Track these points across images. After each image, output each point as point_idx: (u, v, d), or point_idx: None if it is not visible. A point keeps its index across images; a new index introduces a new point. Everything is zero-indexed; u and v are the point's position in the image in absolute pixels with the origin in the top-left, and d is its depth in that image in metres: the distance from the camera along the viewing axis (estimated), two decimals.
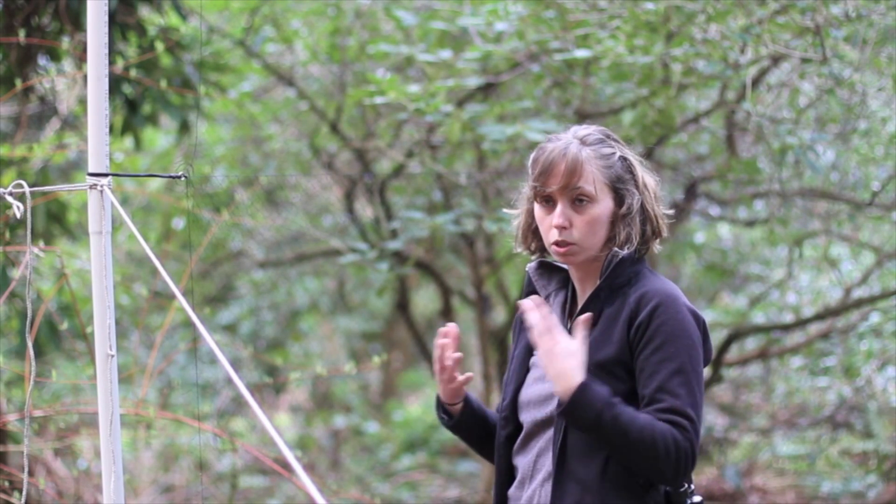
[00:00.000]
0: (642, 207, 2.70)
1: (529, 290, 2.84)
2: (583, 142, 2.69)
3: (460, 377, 2.79)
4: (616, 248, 2.68)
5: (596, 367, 2.62)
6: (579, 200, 2.66)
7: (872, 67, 5.23)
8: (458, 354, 2.80)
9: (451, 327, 2.79)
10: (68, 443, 5.75)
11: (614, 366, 2.62)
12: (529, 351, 2.80)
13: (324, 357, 10.55)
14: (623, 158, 2.71)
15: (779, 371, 8.38)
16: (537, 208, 2.73)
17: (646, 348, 2.59)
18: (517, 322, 2.88)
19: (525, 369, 2.79)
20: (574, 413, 2.55)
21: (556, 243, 2.68)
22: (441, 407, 2.90)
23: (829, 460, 7.91)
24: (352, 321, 10.55)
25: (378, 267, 5.87)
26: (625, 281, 2.67)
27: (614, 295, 2.67)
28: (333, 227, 7.92)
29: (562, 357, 2.56)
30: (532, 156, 2.73)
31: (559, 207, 2.67)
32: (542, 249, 2.80)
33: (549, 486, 2.67)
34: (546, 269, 2.83)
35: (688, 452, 2.55)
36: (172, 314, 5.45)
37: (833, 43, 4.79)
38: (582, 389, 2.53)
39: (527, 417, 2.74)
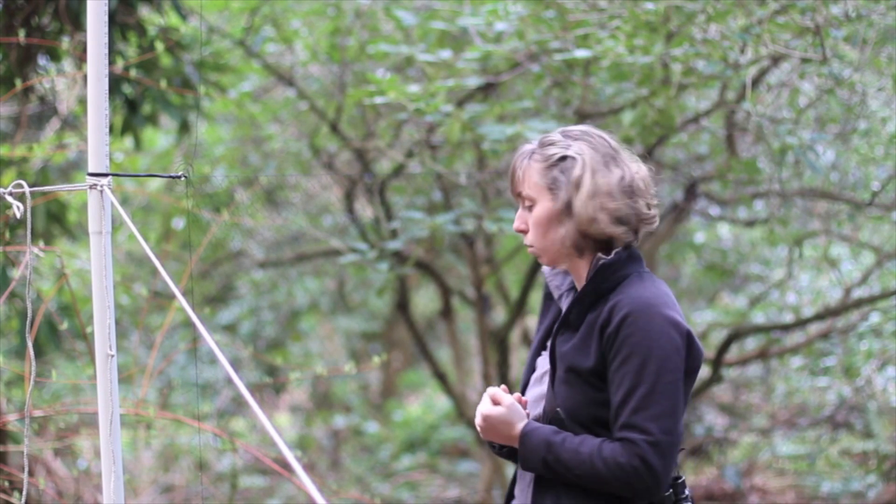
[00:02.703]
0: (569, 206, 2.66)
1: (547, 291, 2.88)
2: (540, 144, 2.73)
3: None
4: (600, 254, 2.68)
5: (572, 373, 2.64)
6: (528, 204, 2.73)
7: (872, 67, 5.23)
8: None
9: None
10: (68, 443, 5.75)
11: (589, 375, 2.63)
12: (538, 349, 2.83)
13: (324, 357, 10.54)
14: (563, 158, 2.67)
15: (779, 371, 8.38)
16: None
17: (614, 360, 2.59)
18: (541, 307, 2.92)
19: (531, 369, 2.83)
20: (525, 462, 2.66)
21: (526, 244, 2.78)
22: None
23: (829, 460, 7.90)
24: (352, 321, 10.53)
25: (378, 267, 5.86)
26: (612, 286, 2.66)
27: (599, 300, 2.67)
28: (333, 227, 7.91)
29: (496, 427, 2.68)
30: None
31: (518, 211, 2.77)
32: None
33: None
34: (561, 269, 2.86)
35: (637, 469, 2.54)
36: (172, 314, 5.45)
37: (833, 43, 4.79)
38: (522, 441, 2.65)
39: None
